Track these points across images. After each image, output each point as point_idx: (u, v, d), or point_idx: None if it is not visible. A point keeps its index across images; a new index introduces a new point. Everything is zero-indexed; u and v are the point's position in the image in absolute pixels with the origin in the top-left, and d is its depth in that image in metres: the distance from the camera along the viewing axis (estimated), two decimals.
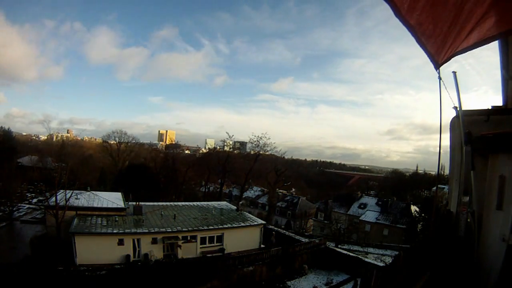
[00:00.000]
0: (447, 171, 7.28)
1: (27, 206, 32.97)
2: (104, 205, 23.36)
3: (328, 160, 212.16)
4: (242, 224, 25.65)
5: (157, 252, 21.30)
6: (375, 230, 46.69)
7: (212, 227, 23.86)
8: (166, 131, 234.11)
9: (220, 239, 24.20)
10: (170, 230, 22.08)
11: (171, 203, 31.45)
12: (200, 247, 23.16)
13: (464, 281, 4.27)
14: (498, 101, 6.02)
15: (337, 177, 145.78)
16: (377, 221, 47.59)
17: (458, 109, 4.84)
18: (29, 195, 38.36)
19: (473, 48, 2.74)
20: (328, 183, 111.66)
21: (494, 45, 5.03)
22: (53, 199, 21.51)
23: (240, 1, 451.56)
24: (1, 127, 48.87)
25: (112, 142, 59.79)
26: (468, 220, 4.59)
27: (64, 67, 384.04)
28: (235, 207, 30.83)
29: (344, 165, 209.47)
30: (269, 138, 43.96)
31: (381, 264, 21.87)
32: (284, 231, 32.56)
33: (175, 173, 46.49)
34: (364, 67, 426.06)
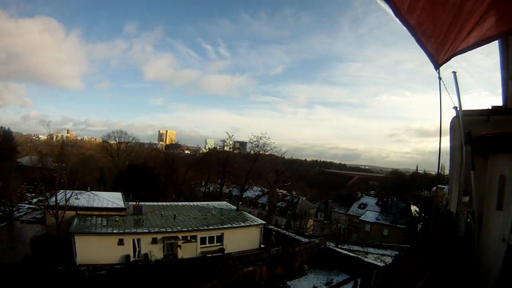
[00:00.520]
0: (447, 171, 7.28)
1: (27, 206, 32.96)
2: (104, 205, 23.36)
3: (328, 160, 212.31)
4: (242, 224, 25.66)
5: (157, 252, 21.30)
6: (375, 230, 46.71)
7: (212, 227, 23.86)
8: (166, 131, 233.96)
9: (220, 239, 24.21)
10: (170, 230, 22.09)
11: (171, 203, 31.45)
12: (200, 247, 23.16)
13: (464, 281, 4.27)
14: (498, 101, 6.02)
15: (337, 177, 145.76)
16: (377, 221, 47.60)
17: (458, 109, 4.84)
18: (29, 195, 38.34)
19: (473, 48, 2.74)
20: (328, 183, 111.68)
21: (494, 46, 5.03)
22: (53, 199, 21.52)
23: (239, 9, 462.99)
24: (1, 127, 48.79)
25: (112, 142, 59.85)
26: (468, 220, 4.59)
27: (115, 82, 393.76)
28: (235, 207, 30.83)
29: (344, 165, 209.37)
30: (269, 138, 43.98)
31: (381, 264, 21.87)
32: (284, 231, 32.55)
33: (175, 173, 46.47)
34: (360, 71, 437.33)
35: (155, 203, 28.93)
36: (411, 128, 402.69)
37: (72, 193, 21.99)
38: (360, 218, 48.76)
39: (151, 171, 46.32)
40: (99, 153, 65.08)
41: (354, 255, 26.26)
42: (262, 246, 26.03)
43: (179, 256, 21.59)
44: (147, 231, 21.28)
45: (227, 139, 48.93)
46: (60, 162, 23.79)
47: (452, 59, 3.22)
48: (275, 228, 32.25)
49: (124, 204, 24.49)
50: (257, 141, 43.78)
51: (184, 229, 22.64)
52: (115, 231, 20.32)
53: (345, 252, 27.03)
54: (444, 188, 28.75)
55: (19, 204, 31.48)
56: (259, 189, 64.78)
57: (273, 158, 55.13)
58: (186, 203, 31.69)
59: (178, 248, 21.96)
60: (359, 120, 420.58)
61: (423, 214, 40.19)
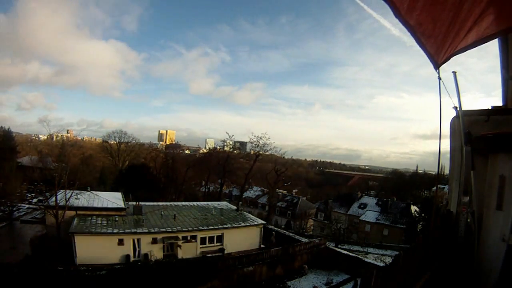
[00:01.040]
0: (447, 171, 7.28)
1: (27, 206, 32.95)
2: (104, 205, 23.36)
3: (328, 160, 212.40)
4: (242, 224, 25.65)
5: (157, 252, 21.29)
6: (375, 230, 46.70)
7: (212, 227, 23.85)
8: (166, 131, 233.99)
9: (220, 239, 24.20)
10: (170, 230, 22.08)
11: (171, 203, 31.44)
12: (200, 247, 23.15)
13: (464, 281, 4.27)
14: (493, 103, 6.03)
15: (337, 177, 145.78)
16: (377, 221, 47.60)
17: (458, 109, 4.84)
18: (29, 195, 38.34)
19: (472, 47, 2.74)
20: (328, 183, 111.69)
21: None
22: (53, 199, 21.50)
23: (238, 17, 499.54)
24: (1, 127, 48.80)
25: (112, 142, 59.79)
26: (468, 220, 4.59)
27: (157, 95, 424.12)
28: (235, 207, 30.82)
29: (344, 165, 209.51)
30: (268, 138, 43.93)
31: (381, 264, 21.86)
32: (284, 231, 32.55)
33: (175, 173, 46.48)
34: (357, 74, 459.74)
35: (155, 203, 28.92)
36: (410, 128, 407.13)
37: (72, 193, 21.98)
38: (360, 218, 48.75)
39: (151, 171, 46.35)
40: (99, 153, 65.09)
41: (354, 255, 26.25)
42: (262, 246, 26.02)
43: (179, 256, 21.58)
44: (147, 231, 21.28)
45: (227, 139, 48.91)
46: (60, 162, 23.73)
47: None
48: (275, 228, 32.25)
49: (124, 204, 24.49)
50: (257, 141, 43.77)
51: (184, 229, 22.63)
52: (115, 231, 20.32)
53: (345, 252, 27.02)
54: (444, 188, 28.73)
55: (19, 204, 31.48)
56: (259, 189, 64.76)
57: (273, 158, 55.15)
58: (186, 203, 31.68)
59: (178, 248, 21.96)
60: (359, 121, 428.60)
61: (423, 214, 40.15)
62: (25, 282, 15.54)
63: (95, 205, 23.14)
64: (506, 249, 3.78)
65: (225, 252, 23.57)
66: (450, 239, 4.82)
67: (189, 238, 22.85)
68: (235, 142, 60.30)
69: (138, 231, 21.02)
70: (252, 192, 64.05)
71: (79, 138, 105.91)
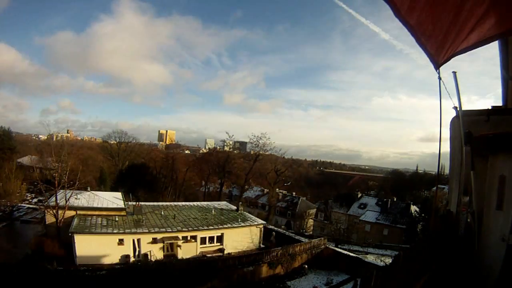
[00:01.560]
0: (447, 171, 7.28)
1: (27, 206, 32.97)
2: (104, 205, 23.36)
3: (328, 160, 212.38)
4: (242, 224, 25.65)
5: (157, 252, 21.31)
6: (375, 230, 46.67)
7: (212, 227, 23.85)
8: (166, 131, 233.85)
9: (220, 239, 24.20)
10: (170, 230, 22.08)
11: (171, 203, 31.44)
12: (200, 247, 23.16)
13: (464, 281, 4.27)
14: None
15: (337, 177, 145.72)
16: (377, 221, 47.58)
17: (458, 109, 4.84)
18: (29, 195, 38.38)
19: (473, 48, 2.74)
20: (328, 183, 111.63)
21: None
22: (53, 199, 21.51)
23: (237, 25, 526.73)
24: (1, 126, 48.79)
25: (112, 142, 59.77)
26: (468, 220, 4.59)
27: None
28: (235, 207, 30.81)
29: (344, 165, 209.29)
30: (268, 138, 43.98)
31: (381, 264, 21.86)
32: (284, 231, 32.53)
33: (175, 173, 46.51)
34: (355, 77, 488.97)
35: (155, 203, 28.93)
36: (410, 129, 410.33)
37: (72, 193, 21.99)
38: (360, 218, 48.71)
39: (151, 171, 46.38)
40: (99, 153, 65.04)
41: (354, 255, 26.24)
42: (262, 246, 26.03)
43: (179, 256, 21.59)
44: (147, 231, 21.28)
45: (227, 139, 48.95)
46: (60, 162, 23.68)
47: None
48: (275, 228, 32.22)
49: (124, 204, 24.48)
50: (257, 141, 43.81)
51: (184, 229, 22.63)
52: (115, 231, 20.32)
53: (345, 252, 27.01)
54: (444, 188, 28.72)
55: (19, 204, 31.50)
56: (259, 189, 64.72)
57: (273, 158, 55.11)
58: (186, 203, 31.68)
59: (178, 248, 21.96)
60: (358, 122, 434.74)
61: (423, 214, 40.17)
62: (25, 282, 15.53)
63: (95, 205, 23.14)
64: (506, 249, 3.78)
65: (225, 252, 23.57)
66: (450, 239, 4.82)
67: (189, 238, 22.85)
68: (235, 142, 60.37)
69: (138, 231, 21.02)
70: (252, 192, 64.02)
71: (79, 138, 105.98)
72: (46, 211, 21.74)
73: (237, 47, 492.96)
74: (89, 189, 26.34)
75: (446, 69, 3.79)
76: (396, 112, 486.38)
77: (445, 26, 2.62)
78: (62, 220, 20.82)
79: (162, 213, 25.24)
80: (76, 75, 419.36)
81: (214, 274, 20.17)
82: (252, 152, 50.62)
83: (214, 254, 22.96)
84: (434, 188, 58.33)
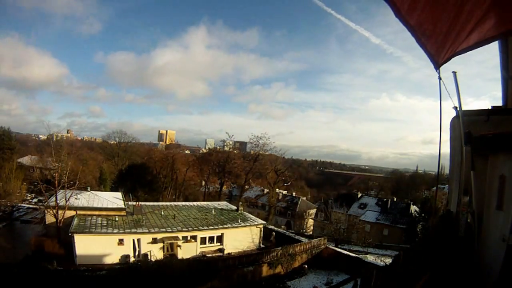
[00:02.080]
0: (447, 171, 7.28)
1: (27, 206, 32.95)
2: (104, 205, 23.36)
3: (328, 160, 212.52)
4: (242, 224, 25.65)
5: (157, 252, 21.30)
6: (375, 230, 46.65)
7: (212, 227, 23.85)
8: (166, 131, 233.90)
9: (220, 239, 24.20)
10: (170, 230, 22.08)
11: (171, 203, 31.45)
12: (200, 247, 23.16)
13: (464, 281, 4.27)
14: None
15: (337, 177, 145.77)
16: (377, 221, 47.57)
17: (458, 109, 4.84)
18: (29, 195, 38.34)
19: (473, 49, 2.74)
20: (328, 183, 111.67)
21: (494, 46, 5.04)
22: (53, 199, 21.50)
23: (237, 32, 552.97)
24: (1, 127, 48.75)
25: (112, 142, 59.77)
26: (468, 220, 4.59)
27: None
28: (235, 207, 30.82)
29: (344, 165, 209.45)
30: (268, 138, 43.95)
31: (381, 264, 21.85)
32: (284, 231, 32.53)
33: (175, 173, 46.49)
34: (353, 80, 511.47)
35: (155, 203, 28.93)
36: (410, 129, 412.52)
37: (72, 193, 21.97)
38: (360, 218, 48.68)
39: (151, 171, 46.35)
40: (99, 153, 65.05)
41: (354, 255, 26.22)
42: (262, 246, 26.03)
43: (179, 256, 21.58)
44: (147, 231, 21.27)
45: (227, 139, 48.91)
46: (60, 162, 23.68)
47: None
48: (275, 228, 32.21)
49: (124, 204, 24.48)
50: (257, 141, 43.77)
51: (184, 229, 22.63)
52: (115, 231, 20.31)
53: (345, 252, 27.00)
54: (444, 188, 28.72)
55: (19, 204, 31.47)
56: (259, 189, 64.71)
57: (273, 158, 55.11)
58: (186, 203, 31.69)
59: (178, 248, 21.96)
60: (358, 123, 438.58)
61: (423, 214, 40.16)
62: (25, 282, 15.53)
63: (95, 205, 23.14)
64: (506, 249, 3.77)
65: (225, 252, 23.57)
66: (450, 239, 4.83)
67: (189, 238, 22.85)
68: (235, 142, 60.35)
69: (138, 231, 21.02)
70: (252, 192, 63.99)
71: (79, 138, 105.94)
72: (46, 211, 21.75)
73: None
74: (89, 189, 26.31)
75: (446, 70, 3.80)
76: (395, 113, 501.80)
77: (446, 26, 2.63)
78: (62, 220, 20.81)
79: (162, 213, 25.24)
80: (120, 88, 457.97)
81: (214, 274, 20.17)
82: (252, 152, 50.60)
83: (214, 254, 22.95)
84: (434, 188, 58.38)
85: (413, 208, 46.05)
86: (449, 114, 5.35)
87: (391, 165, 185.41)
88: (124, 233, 20.47)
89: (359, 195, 57.98)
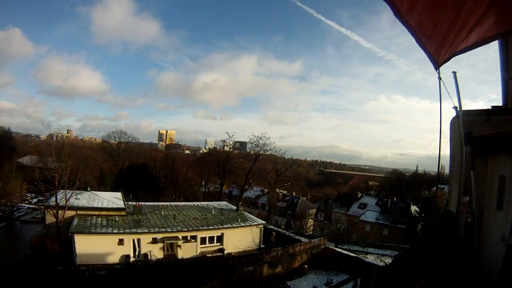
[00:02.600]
0: (447, 171, 7.28)
1: (27, 206, 32.95)
2: (104, 205, 23.34)
3: (328, 160, 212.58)
4: (242, 224, 25.64)
5: (157, 252, 21.29)
6: (375, 230, 46.66)
7: (212, 227, 23.84)
8: (166, 131, 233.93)
9: (220, 239, 24.19)
10: (170, 230, 22.07)
11: (171, 203, 31.43)
12: (200, 247, 23.15)
13: (464, 281, 4.27)
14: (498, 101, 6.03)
15: (337, 177, 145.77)
16: (377, 221, 47.56)
17: (458, 109, 4.83)
18: (29, 195, 38.37)
19: (473, 48, 2.74)
20: (328, 183, 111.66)
21: (494, 46, 5.03)
22: (53, 199, 21.49)
23: (236, 38, 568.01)
24: (1, 127, 48.81)
25: (112, 142, 59.76)
26: (468, 220, 4.59)
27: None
28: (235, 207, 30.81)
29: (344, 165, 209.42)
30: (268, 138, 43.95)
31: (381, 264, 21.85)
32: (284, 231, 32.53)
33: (175, 173, 46.50)
34: (351, 83, 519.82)
35: (155, 203, 28.90)
36: (408, 130, 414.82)
37: (72, 193, 21.95)
38: (360, 218, 48.70)
39: (151, 171, 46.37)
40: (99, 153, 65.08)
41: (354, 255, 26.22)
42: (262, 246, 26.03)
43: (179, 256, 21.58)
44: (147, 231, 21.27)
45: (227, 139, 48.92)
46: (60, 162, 23.68)
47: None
48: (275, 228, 32.22)
49: (124, 204, 24.47)
50: (257, 141, 43.76)
51: (184, 229, 22.62)
52: (115, 231, 20.30)
53: (345, 252, 26.99)
54: (444, 188, 28.70)
55: (19, 204, 31.47)
56: (259, 189, 64.74)
57: (273, 158, 55.15)
58: (186, 203, 31.66)
59: (178, 248, 21.95)
60: (358, 124, 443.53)
61: (423, 214, 40.10)
62: (25, 282, 15.53)
63: (95, 205, 23.12)
64: (506, 249, 3.77)
65: (225, 252, 23.56)
66: (450, 239, 4.82)
67: (189, 238, 22.84)
68: (235, 142, 60.37)
69: (138, 231, 21.02)
70: (252, 192, 64.03)
71: (79, 138, 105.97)
72: (46, 211, 21.73)
73: None
74: (89, 189, 26.30)
75: (445, 70, 3.79)
76: (394, 114, 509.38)
77: (445, 26, 2.62)
78: (62, 220, 20.79)
79: (162, 213, 25.23)
80: (157, 98, 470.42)
81: (214, 274, 20.17)
82: (252, 152, 50.61)
83: (214, 254, 22.94)
84: (434, 188, 58.36)
85: (413, 208, 45.99)
86: (449, 114, 5.36)
87: (391, 165, 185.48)
88: (124, 233, 20.45)
89: (359, 195, 57.93)
